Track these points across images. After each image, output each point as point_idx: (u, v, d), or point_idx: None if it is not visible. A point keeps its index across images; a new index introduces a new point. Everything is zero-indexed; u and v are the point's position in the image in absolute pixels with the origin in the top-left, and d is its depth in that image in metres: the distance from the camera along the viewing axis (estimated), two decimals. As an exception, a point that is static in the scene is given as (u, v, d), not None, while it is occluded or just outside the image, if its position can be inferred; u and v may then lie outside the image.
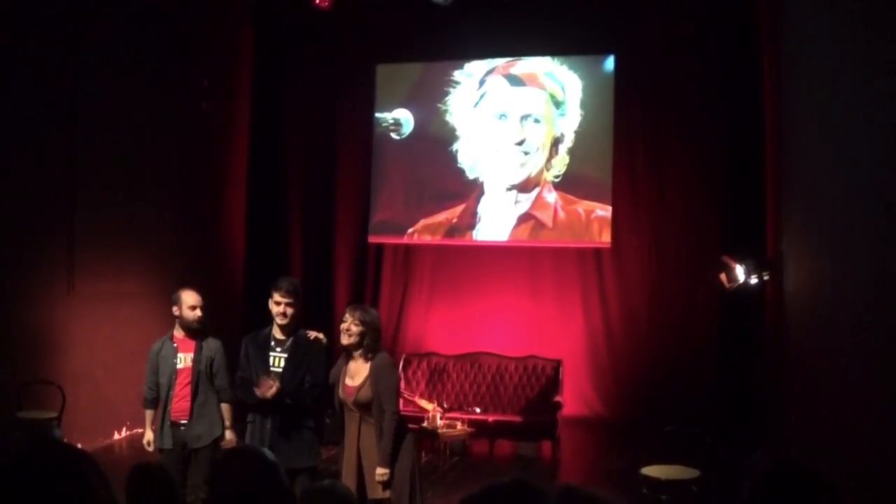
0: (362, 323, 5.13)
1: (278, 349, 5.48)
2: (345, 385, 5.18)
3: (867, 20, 5.25)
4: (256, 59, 12.01)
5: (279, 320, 5.45)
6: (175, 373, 5.84)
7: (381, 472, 5.03)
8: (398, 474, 5.08)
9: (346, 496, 2.58)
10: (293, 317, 5.47)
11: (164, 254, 10.04)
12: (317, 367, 5.47)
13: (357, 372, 5.17)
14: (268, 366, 5.45)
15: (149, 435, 5.91)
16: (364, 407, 5.10)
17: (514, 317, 10.93)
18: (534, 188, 11.02)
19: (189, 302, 5.86)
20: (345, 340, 5.16)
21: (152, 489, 3.00)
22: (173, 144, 10.33)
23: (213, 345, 5.96)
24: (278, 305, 5.43)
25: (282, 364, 5.45)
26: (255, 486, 2.43)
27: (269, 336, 5.53)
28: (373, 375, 5.09)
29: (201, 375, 5.86)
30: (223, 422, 5.92)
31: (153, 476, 3.07)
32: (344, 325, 5.17)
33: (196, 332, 5.90)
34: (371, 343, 5.16)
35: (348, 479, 5.10)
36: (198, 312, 5.86)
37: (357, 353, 5.18)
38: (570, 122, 10.95)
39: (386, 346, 11.51)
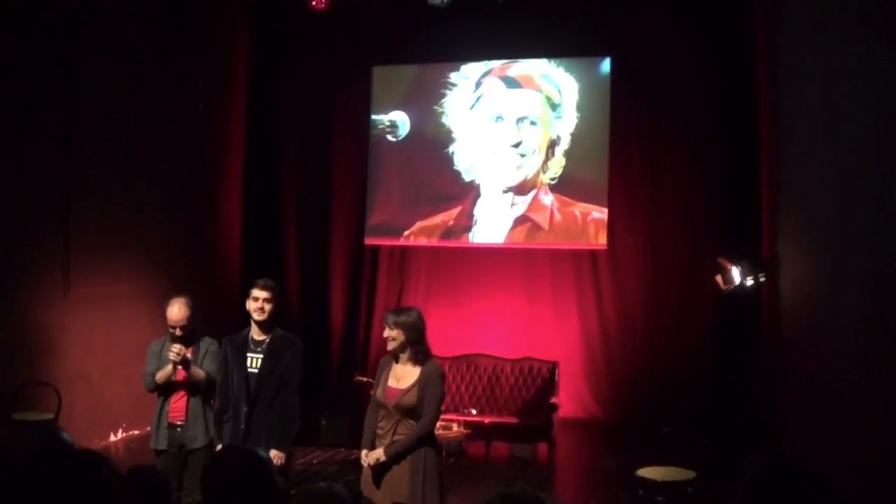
0: (397, 325, 5.02)
1: (257, 350, 5.46)
2: (387, 387, 5.06)
3: (862, 22, 5.27)
4: (252, 61, 12.01)
5: (256, 315, 5.41)
6: (174, 373, 5.80)
7: (377, 455, 4.97)
8: (421, 480, 4.96)
9: (343, 498, 2.58)
10: (271, 313, 5.44)
11: (160, 255, 10.04)
12: (293, 368, 5.43)
13: (404, 376, 5.06)
14: (245, 368, 5.42)
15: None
16: (405, 412, 4.99)
17: (511, 319, 10.92)
18: (530, 190, 11.02)
19: (169, 320, 5.74)
20: (390, 347, 5.07)
21: (146, 492, 2.98)
22: (169, 146, 10.32)
23: (208, 345, 5.90)
24: (256, 301, 5.41)
25: (258, 365, 5.42)
26: (247, 485, 2.41)
27: (248, 338, 5.50)
28: (420, 382, 4.99)
29: None
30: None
31: (147, 479, 3.06)
32: (384, 334, 5.09)
33: (186, 338, 5.81)
34: (416, 344, 5.05)
35: (372, 479, 5.04)
36: (177, 332, 5.71)
37: (404, 357, 5.08)
38: (566, 124, 10.95)
39: (381, 348, 11.62)
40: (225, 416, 5.48)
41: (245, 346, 5.49)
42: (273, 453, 5.22)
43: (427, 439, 5.05)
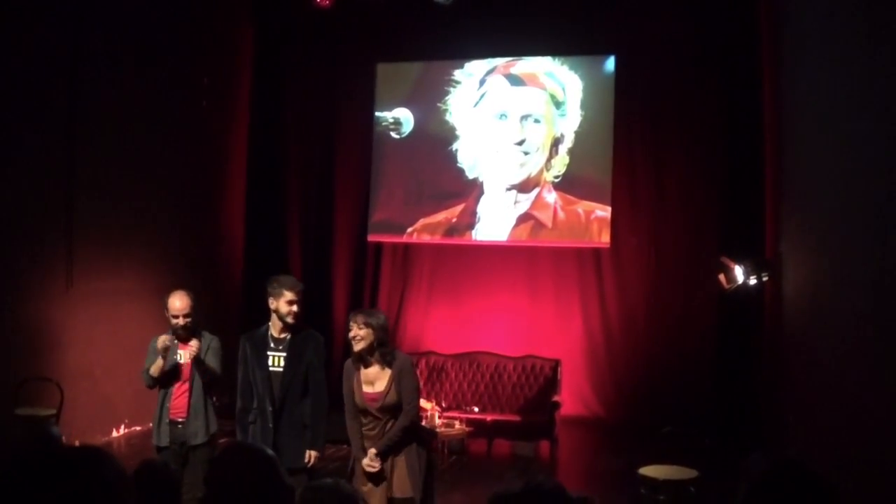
0: (367, 325, 5.07)
1: (279, 348, 5.44)
2: (365, 393, 5.13)
3: (867, 22, 5.26)
4: (256, 58, 12.02)
5: (290, 319, 5.38)
6: (168, 362, 5.77)
7: (373, 455, 5.05)
8: (419, 473, 5.11)
9: (350, 495, 2.58)
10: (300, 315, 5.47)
11: (163, 251, 10.05)
12: (316, 363, 5.45)
13: (377, 378, 5.13)
14: (267, 367, 5.41)
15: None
16: (392, 411, 5.09)
17: (513, 316, 10.92)
18: (533, 188, 11.02)
19: (171, 310, 5.73)
20: (357, 347, 5.09)
21: (156, 487, 2.99)
22: (173, 142, 10.33)
23: (209, 341, 5.88)
24: (291, 305, 5.37)
25: (281, 363, 5.42)
26: (253, 482, 2.41)
27: (267, 336, 5.47)
28: (397, 378, 5.08)
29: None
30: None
31: (158, 474, 3.07)
32: (351, 334, 5.11)
33: (188, 330, 5.80)
34: (383, 345, 5.12)
35: (369, 479, 5.10)
36: (179, 321, 5.69)
37: (373, 359, 5.13)
38: (570, 122, 10.95)
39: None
40: (248, 416, 5.46)
41: (265, 344, 5.46)
42: (309, 453, 5.34)
43: (412, 431, 5.16)
